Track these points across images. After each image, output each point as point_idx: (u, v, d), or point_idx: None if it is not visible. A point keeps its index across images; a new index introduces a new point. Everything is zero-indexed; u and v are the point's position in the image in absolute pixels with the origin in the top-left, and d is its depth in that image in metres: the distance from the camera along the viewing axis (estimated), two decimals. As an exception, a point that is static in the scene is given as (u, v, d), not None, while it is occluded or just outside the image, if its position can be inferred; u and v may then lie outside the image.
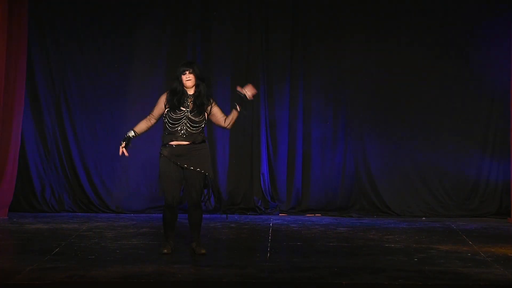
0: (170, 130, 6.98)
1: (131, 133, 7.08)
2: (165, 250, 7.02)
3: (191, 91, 7.03)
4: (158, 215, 9.68)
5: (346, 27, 9.85)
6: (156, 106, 7.06)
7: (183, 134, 6.96)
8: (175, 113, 6.97)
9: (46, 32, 9.80)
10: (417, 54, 9.80)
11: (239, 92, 7.03)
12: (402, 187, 9.87)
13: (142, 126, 7.12)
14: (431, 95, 9.81)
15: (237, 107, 7.02)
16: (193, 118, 6.96)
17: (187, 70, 7.01)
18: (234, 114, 7.04)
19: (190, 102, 7.01)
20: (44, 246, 7.42)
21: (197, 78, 7.01)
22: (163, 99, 7.05)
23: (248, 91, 7.02)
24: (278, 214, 9.84)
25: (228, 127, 7.12)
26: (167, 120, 6.99)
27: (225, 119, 7.07)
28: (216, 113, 7.06)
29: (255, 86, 9.56)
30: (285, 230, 8.64)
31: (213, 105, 7.06)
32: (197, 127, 6.98)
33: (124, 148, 7.07)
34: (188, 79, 7.00)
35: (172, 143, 6.97)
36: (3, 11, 9.05)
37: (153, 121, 7.10)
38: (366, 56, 9.82)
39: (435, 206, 9.82)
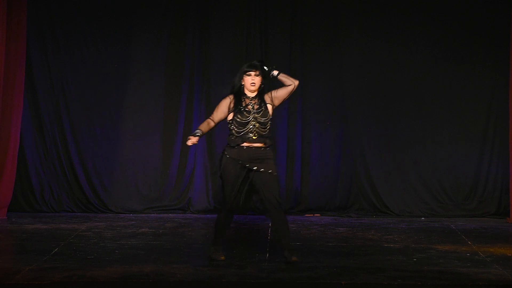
0: (239, 134, 6.67)
1: (199, 132, 6.58)
2: (223, 257, 6.74)
3: (252, 94, 6.74)
4: (157, 215, 9.71)
5: (345, 28, 9.85)
6: (216, 110, 6.72)
7: (254, 135, 6.65)
8: (242, 116, 6.66)
9: (45, 32, 9.79)
10: (417, 54, 9.80)
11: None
12: (401, 187, 9.88)
13: (205, 127, 6.70)
14: (430, 95, 9.82)
15: (273, 71, 6.77)
16: (261, 118, 6.65)
17: (252, 71, 6.72)
18: (281, 77, 6.76)
19: (255, 103, 6.70)
20: (43, 246, 7.41)
21: (261, 80, 6.72)
22: (226, 104, 6.70)
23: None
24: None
25: (294, 83, 6.76)
26: (234, 125, 6.67)
27: (285, 86, 6.76)
28: (279, 92, 6.77)
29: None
30: (284, 230, 8.63)
31: (273, 96, 6.76)
32: (265, 127, 6.67)
33: (193, 138, 6.54)
34: (253, 83, 6.71)
35: (242, 144, 6.65)
36: (2, 12, 9.05)
37: (212, 124, 6.72)
38: (365, 57, 9.83)
39: (434, 206, 9.82)
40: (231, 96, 6.74)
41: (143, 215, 9.72)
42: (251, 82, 6.70)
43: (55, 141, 9.86)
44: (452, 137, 9.83)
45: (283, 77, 6.80)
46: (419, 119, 9.83)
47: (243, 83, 6.74)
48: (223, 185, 6.72)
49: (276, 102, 6.79)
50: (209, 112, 9.78)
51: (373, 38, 9.83)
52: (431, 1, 9.82)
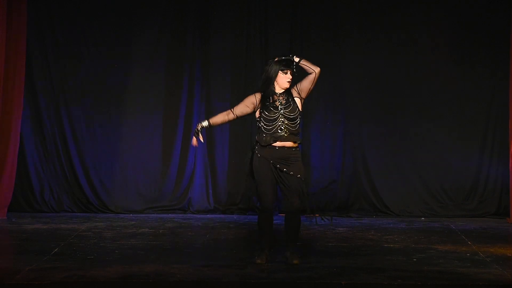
0: (268, 132, 6.54)
1: (205, 123, 6.58)
2: (259, 261, 6.59)
3: (281, 90, 6.59)
4: (157, 215, 9.71)
5: (345, 28, 9.85)
6: (241, 103, 6.61)
7: (284, 133, 6.51)
8: (269, 112, 6.51)
9: (45, 32, 9.79)
10: (417, 54, 9.80)
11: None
12: (401, 187, 9.88)
13: (218, 118, 6.64)
14: (430, 95, 9.82)
15: (294, 58, 6.57)
16: (289, 114, 6.51)
17: (289, 70, 6.57)
18: (302, 64, 6.56)
19: (283, 99, 6.54)
20: (43, 246, 7.41)
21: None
22: (250, 100, 6.58)
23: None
24: (277, 214, 9.82)
25: (315, 70, 6.60)
26: (263, 122, 6.54)
27: (308, 75, 6.58)
28: (303, 84, 6.59)
29: (255, 86, 9.73)
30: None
31: (299, 89, 6.60)
32: (295, 123, 6.53)
33: (196, 138, 6.57)
34: (289, 81, 6.57)
35: (274, 144, 6.52)
36: (2, 12, 9.05)
37: (231, 116, 6.61)
38: (365, 57, 9.82)
39: (434, 206, 9.83)
40: (258, 94, 6.60)
41: (143, 215, 9.72)
42: (288, 80, 6.57)
43: (55, 141, 9.86)
44: (452, 137, 9.83)
45: (304, 65, 6.63)
46: (419, 119, 9.84)
47: (278, 80, 6.59)
48: (257, 184, 6.63)
49: (303, 95, 6.64)
50: (209, 112, 9.84)
51: (373, 38, 9.83)
52: (431, 1, 9.82)
